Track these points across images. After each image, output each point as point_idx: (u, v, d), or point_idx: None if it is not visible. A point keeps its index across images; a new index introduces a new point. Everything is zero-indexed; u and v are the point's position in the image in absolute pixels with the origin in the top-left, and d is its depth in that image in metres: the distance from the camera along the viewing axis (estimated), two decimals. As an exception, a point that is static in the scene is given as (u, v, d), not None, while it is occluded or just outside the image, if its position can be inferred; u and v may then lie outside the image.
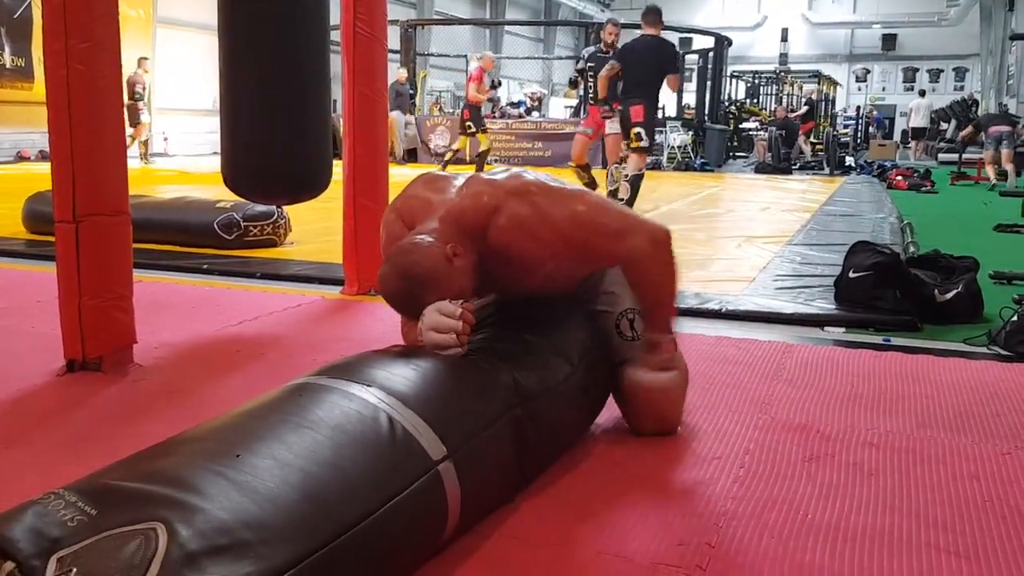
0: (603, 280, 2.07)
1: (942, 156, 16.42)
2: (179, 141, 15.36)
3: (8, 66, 13.09)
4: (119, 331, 2.57)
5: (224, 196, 4.46)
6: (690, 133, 14.90)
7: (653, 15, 6.33)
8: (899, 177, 11.44)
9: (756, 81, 21.89)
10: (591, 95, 7.34)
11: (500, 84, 14.99)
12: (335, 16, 3.55)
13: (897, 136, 22.75)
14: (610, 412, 2.12)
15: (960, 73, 27.74)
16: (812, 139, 16.96)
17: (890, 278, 3.42)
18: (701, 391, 2.36)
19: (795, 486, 1.79)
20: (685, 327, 2.84)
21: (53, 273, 2.54)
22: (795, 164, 14.82)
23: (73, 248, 2.45)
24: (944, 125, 19.47)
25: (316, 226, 5.54)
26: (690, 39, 19.22)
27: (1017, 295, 3.50)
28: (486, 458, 1.54)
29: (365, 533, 1.20)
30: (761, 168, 14.37)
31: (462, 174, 2.04)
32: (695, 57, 16.57)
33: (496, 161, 12.53)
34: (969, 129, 12.61)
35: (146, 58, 13.26)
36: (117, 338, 2.57)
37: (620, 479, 1.82)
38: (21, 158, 13.32)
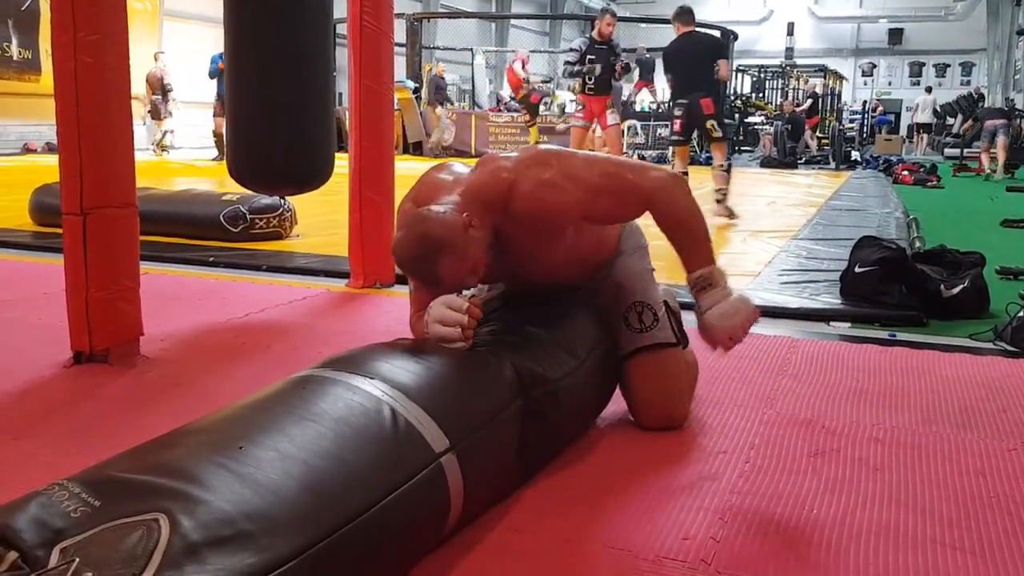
0: (611, 273, 2.07)
1: (948, 151, 16.41)
2: (185, 134, 15.35)
3: (15, 58, 13.11)
4: (126, 323, 2.58)
5: (230, 189, 4.47)
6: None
7: (689, 14, 6.56)
8: (905, 172, 11.42)
9: (762, 75, 21.81)
10: (589, 86, 7.31)
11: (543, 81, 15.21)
12: (341, 9, 3.55)
13: (903, 131, 22.68)
14: (615, 406, 2.12)
15: (967, 68, 27.61)
16: (818, 133, 16.91)
17: (896, 273, 3.42)
18: (706, 385, 2.36)
19: (800, 481, 1.80)
20: (690, 322, 2.83)
21: (60, 265, 2.55)
22: (801, 158, 14.78)
23: (80, 240, 2.45)
24: (951, 120, 19.42)
25: (322, 219, 5.54)
26: (696, 33, 19.05)
27: (1023, 291, 3.49)
28: (489, 451, 1.54)
29: (367, 524, 1.20)
30: (767, 162, 14.34)
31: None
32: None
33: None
34: (970, 123, 13.63)
35: (162, 52, 13.29)
36: (124, 330, 2.57)
37: (625, 472, 1.83)
38: (28, 150, 13.34)
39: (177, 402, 2.23)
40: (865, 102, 23.52)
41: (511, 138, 14.24)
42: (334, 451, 1.26)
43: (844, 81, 24.06)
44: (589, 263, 2.05)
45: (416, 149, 14.60)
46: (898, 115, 24.55)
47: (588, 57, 7.27)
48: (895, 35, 28.08)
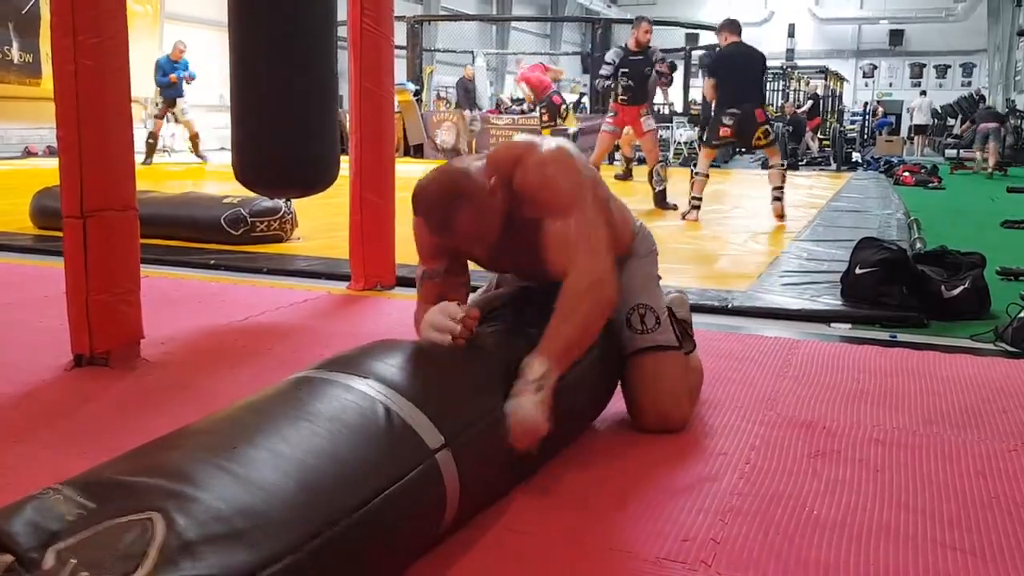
0: (620, 275, 2.06)
1: (949, 152, 16.48)
2: (186, 136, 15.36)
3: (16, 62, 13.12)
4: (126, 326, 2.58)
5: (231, 192, 4.47)
6: (696, 129, 14.87)
7: (736, 24, 6.73)
8: (906, 173, 11.41)
9: (763, 77, 21.78)
10: (622, 96, 7.23)
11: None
12: (342, 12, 3.55)
13: (904, 132, 22.68)
14: (616, 406, 2.12)
15: (967, 69, 27.61)
16: (819, 135, 16.91)
17: (897, 274, 3.42)
18: (707, 387, 2.36)
19: (801, 482, 1.80)
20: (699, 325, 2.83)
21: (60, 268, 2.56)
22: (802, 160, 14.77)
23: (81, 243, 2.46)
24: (951, 121, 19.43)
25: (322, 222, 5.55)
26: (696, 35, 19.12)
27: (1024, 291, 3.49)
28: (486, 448, 1.55)
29: (361, 522, 1.21)
30: (768, 164, 14.32)
31: None
32: (701, 53, 16.52)
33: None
34: (968, 124, 14.63)
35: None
36: (124, 333, 2.58)
37: (625, 473, 1.83)
38: (29, 153, 13.35)
39: (177, 405, 2.23)
40: (866, 103, 23.53)
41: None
42: (328, 449, 1.27)
43: (845, 82, 24.06)
44: None
45: (417, 151, 14.60)
46: (899, 116, 24.55)
47: (622, 71, 7.16)
48: (896, 36, 28.08)
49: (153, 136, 11.83)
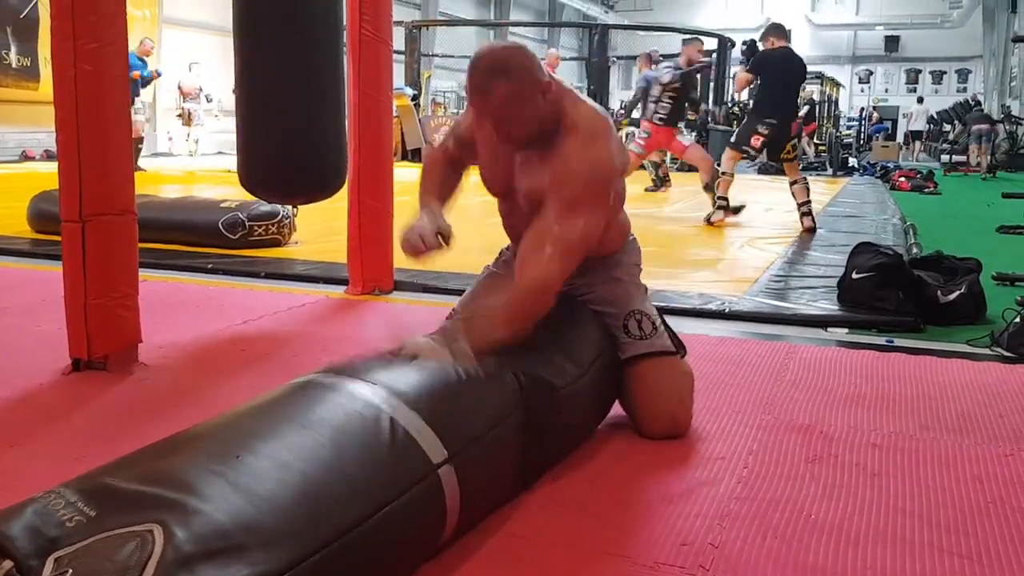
0: (607, 278, 2.07)
1: (945, 158, 16.59)
2: (184, 141, 15.35)
3: (14, 66, 13.09)
4: (124, 330, 2.58)
5: (228, 196, 4.47)
6: (693, 134, 14.89)
7: (782, 28, 6.48)
8: (902, 178, 11.44)
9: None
10: (660, 116, 7.00)
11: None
12: (341, 17, 3.56)
13: (900, 138, 22.74)
14: (613, 412, 2.13)
15: (963, 75, 27.72)
16: (815, 140, 16.94)
17: (893, 279, 3.43)
18: (704, 392, 2.36)
19: (798, 487, 1.80)
20: (689, 328, 2.84)
21: (58, 272, 2.56)
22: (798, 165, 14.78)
23: (79, 247, 2.46)
24: (947, 127, 19.49)
25: (320, 226, 5.55)
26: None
27: (1020, 296, 3.48)
28: (489, 461, 1.54)
29: (361, 537, 1.20)
30: (764, 169, 14.33)
31: None
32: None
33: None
34: (960, 128, 15.64)
35: (196, 63, 13.45)
36: (122, 337, 2.58)
37: (623, 479, 1.83)
38: (26, 157, 13.33)
39: (176, 409, 2.22)
40: (862, 109, 23.56)
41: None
42: (331, 461, 1.26)
43: (841, 88, 24.11)
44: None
45: (415, 156, 14.60)
46: (895, 122, 24.61)
47: (667, 93, 7.00)
48: (891, 42, 28.17)
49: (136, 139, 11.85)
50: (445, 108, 19.41)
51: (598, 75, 15.47)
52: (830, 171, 14.28)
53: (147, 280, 2.94)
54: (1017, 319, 2.98)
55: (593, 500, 1.72)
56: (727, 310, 3.49)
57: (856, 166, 15.13)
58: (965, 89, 26.30)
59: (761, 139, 6.17)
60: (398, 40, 11.29)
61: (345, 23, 3.54)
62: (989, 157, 14.13)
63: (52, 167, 2.61)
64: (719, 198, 6.46)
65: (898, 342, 3.07)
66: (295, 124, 3.14)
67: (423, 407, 1.46)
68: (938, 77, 28.03)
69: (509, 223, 2.06)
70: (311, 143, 3.20)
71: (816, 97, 17.92)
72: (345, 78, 3.44)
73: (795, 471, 1.88)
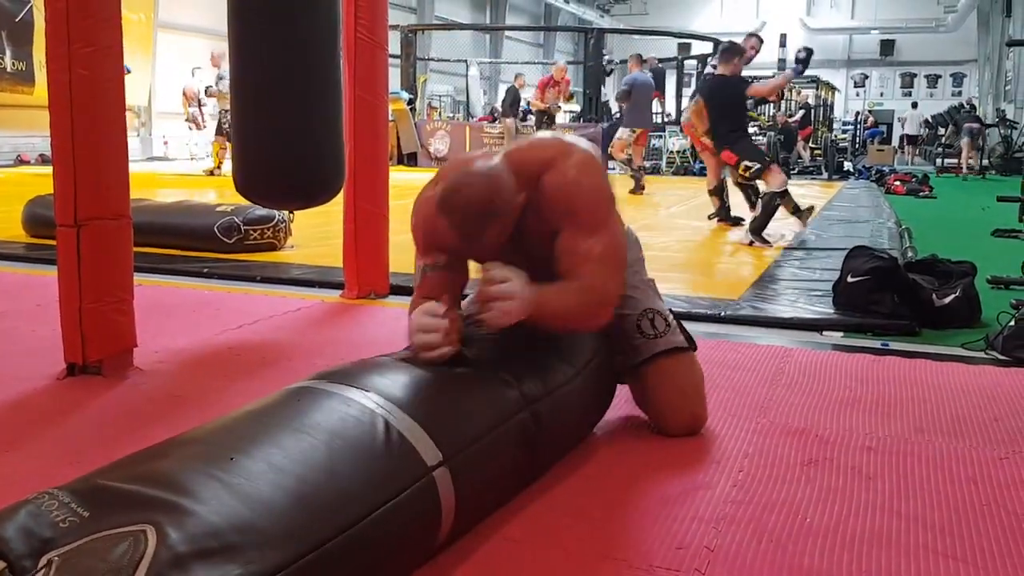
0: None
1: (939, 161, 16.72)
2: (180, 145, 15.36)
3: (8, 70, 13.09)
4: (119, 335, 2.58)
5: (224, 200, 4.47)
6: (688, 138, 14.90)
7: (731, 51, 6.30)
8: (897, 182, 11.46)
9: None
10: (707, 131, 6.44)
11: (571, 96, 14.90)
12: (337, 21, 3.55)
13: (895, 142, 22.80)
14: (609, 415, 2.13)
15: (958, 79, 27.80)
16: (811, 144, 16.98)
17: (888, 283, 3.43)
18: (700, 395, 2.37)
19: (794, 490, 1.80)
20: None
21: (53, 277, 2.55)
22: (793, 169, 14.82)
23: (74, 252, 2.45)
24: (942, 131, 19.56)
25: (316, 230, 5.55)
26: (689, 45, 19.18)
27: (1015, 300, 3.51)
28: (484, 464, 1.54)
29: (355, 538, 1.20)
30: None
31: None
32: (694, 63, 16.58)
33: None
34: (951, 129, 16.32)
35: (199, 68, 13.40)
36: (117, 342, 2.57)
37: (619, 482, 1.83)
38: (21, 162, 13.33)
39: (171, 414, 2.22)
40: (857, 113, 23.62)
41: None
42: (326, 463, 1.26)
43: (836, 92, 24.17)
44: None
45: (411, 160, 14.61)
46: (890, 126, 24.68)
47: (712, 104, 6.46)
48: (887, 46, 28.25)
49: None
50: (441, 112, 19.43)
51: (594, 79, 15.49)
52: (825, 175, 14.33)
53: (142, 284, 2.93)
54: (1012, 322, 2.99)
55: (588, 503, 1.72)
56: (723, 313, 3.49)
57: (851, 170, 15.18)
58: (960, 93, 26.37)
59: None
60: (394, 44, 11.30)
61: (341, 27, 3.54)
62: (978, 155, 14.97)
63: (47, 171, 2.61)
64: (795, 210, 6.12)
65: (893, 345, 3.08)
66: (291, 129, 3.13)
67: (418, 410, 1.46)
68: (933, 81, 28.11)
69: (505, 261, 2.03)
70: (308, 148, 3.18)
71: (811, 101, 17.96)
72: (342, 82, 3.43)
73: (790, 474, 1.89)
